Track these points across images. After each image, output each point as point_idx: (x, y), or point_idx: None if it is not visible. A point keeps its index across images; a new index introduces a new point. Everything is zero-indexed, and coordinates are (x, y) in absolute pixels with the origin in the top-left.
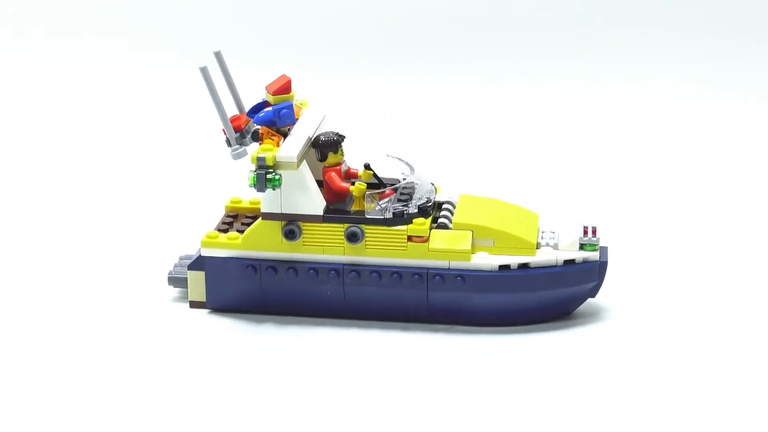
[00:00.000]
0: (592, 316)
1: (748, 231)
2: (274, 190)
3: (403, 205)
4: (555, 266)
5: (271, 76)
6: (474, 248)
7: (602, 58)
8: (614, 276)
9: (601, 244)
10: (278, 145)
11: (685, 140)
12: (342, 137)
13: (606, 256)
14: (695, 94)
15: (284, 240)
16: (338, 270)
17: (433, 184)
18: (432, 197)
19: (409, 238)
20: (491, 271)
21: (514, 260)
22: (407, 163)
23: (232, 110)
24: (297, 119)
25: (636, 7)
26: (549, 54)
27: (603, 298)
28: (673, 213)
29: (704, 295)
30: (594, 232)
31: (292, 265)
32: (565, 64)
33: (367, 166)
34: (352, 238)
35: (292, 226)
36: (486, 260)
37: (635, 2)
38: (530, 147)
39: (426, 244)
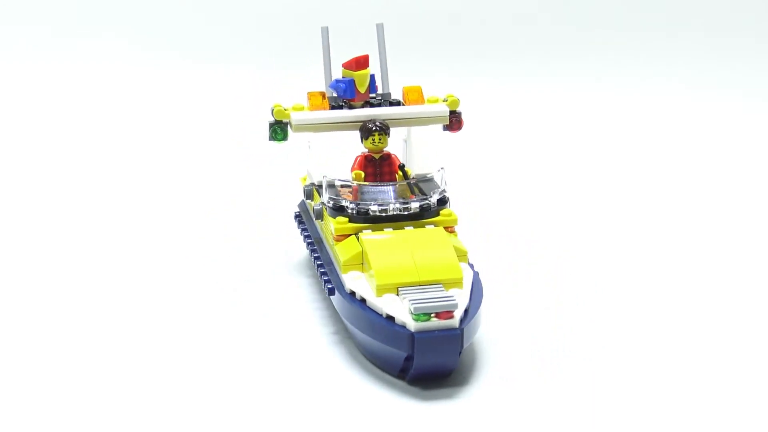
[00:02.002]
0: (591, 315)
1: (749, 232)
2: (277, 142)
3: (356, 203)
4: (377, 314)
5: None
6: (362, 268)
7: (602, 58)
8: (613, 276)
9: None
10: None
11: (686, 140)
12: (378, 129)
13: (433, 338)
14: (695, 94)
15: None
16: (315, 239)
17: (430, 199)
18: (392, 209)
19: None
20: (344, 290)
21: (360, 291)
22: (439, 172)
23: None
24: (366, 95)
25: (635, 8)
26: (548, 54)
27: (600, 299)
28: (673, 214)
29: (703, 297)
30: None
31: (305, 220)
32: (565, 64)
33: (400, 167)
34: (314, 213)
35: (308, 186)
36: (349, 280)
37: (635, 3)
38: (529, 147)
39: (335, 242)
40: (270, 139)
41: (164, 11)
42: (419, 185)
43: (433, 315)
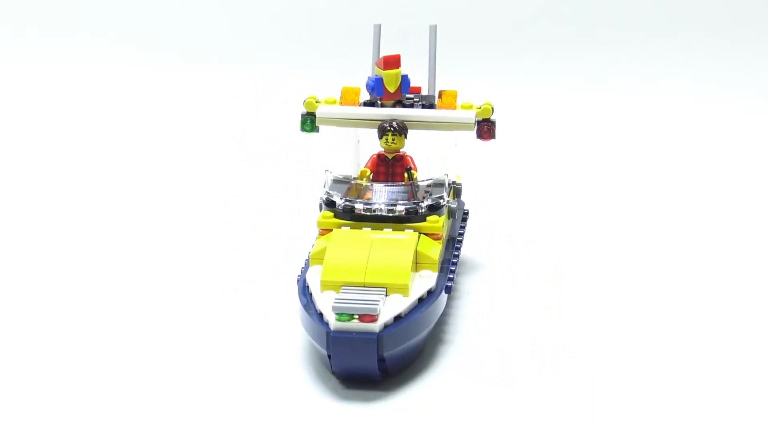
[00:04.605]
0: (591, 315)
1: (750, 233)
2: (306, 133)
3: (346, 199)
4: (313, 308)
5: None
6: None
7: (601, 58)
8: (613, 276)
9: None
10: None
11: (686, 140)
12: (392, 130)
13: (348, 339)
14: (695, 94)
15: None
16: None
17: (419, 204)
18: (375, 209)
19: None
20: (299, 283)
21: (312, 285)
22: (445, 176)
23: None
24: (400, 94)
25: (637, 9)
26: (548, 54)
27: (600, 299)
28: (673, 214)
29: (703, 297)
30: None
31: None
32: (565, 64)
33: (407, 170)
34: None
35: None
36: (311, 273)
37: (637, 3)
38: (529, 147)
39: (318, 236)
40: (300, 130)
41: (165, 11)
42: (428, 189)
43: (356, 317)
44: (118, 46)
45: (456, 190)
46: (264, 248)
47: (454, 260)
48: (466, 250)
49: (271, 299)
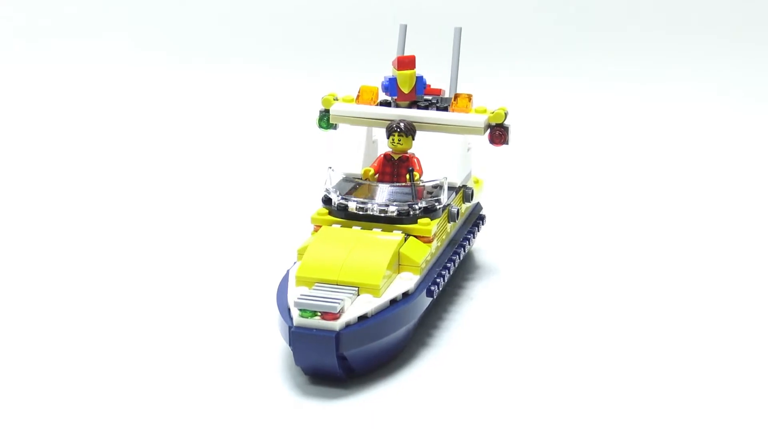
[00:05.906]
0: (591, 315)
1: (750, 234)
2: (322, 130)
3: (342, 197)
4: (283, 299)
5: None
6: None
7: (602, 58)
8: (613, 276)
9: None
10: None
11: (687, 141)
12: (398, 130)
13: (306, 335)
14: (697, 95)
15: None
16: None
17: (412, 206)
18: (368, 208)
19: None
20: (284, 274)
21: (290, 277)
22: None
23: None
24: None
25: (639, 9)
26: (547, 54)
27: (600, 299)
28: (674, 214)
29: (703, 297)
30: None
31: None
32: (565, 64)
33: (409, 171)
34: None
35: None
36: (293, 267)
37: (639, 3)
38: (528, 147)
39: (312, 232)
40: (317, 126)
41: (165, 11)
42: (430, 191)
43: (319, 313)
44: (117, 46)
45: (466, 194)
46: (264, 248)
47: (448, 264)
48: (472, 253)
49: (271, 299)
